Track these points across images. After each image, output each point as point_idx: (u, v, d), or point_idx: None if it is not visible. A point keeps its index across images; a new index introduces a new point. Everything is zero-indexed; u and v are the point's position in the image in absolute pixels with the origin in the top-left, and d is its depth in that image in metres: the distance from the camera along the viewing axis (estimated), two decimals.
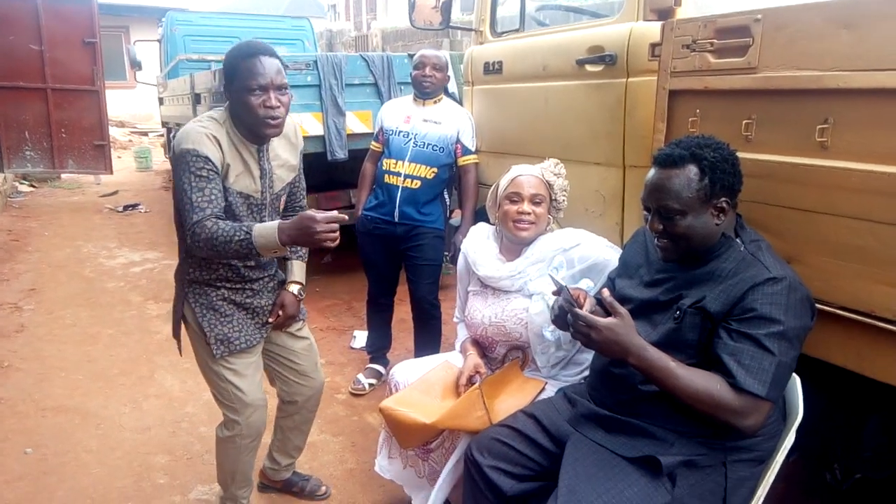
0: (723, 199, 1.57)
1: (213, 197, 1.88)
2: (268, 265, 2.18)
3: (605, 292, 1.58)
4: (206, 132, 1.91)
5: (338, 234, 1.76)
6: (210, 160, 1.88)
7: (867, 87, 1.49)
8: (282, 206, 2.20)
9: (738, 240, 1.61)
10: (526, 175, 2.24)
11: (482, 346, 2.30)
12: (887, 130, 1.47)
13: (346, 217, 1.84)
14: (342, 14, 26.30)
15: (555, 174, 2.28)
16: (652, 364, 1.51)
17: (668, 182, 1.57)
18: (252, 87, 1.89)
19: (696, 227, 1.57)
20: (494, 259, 2.28)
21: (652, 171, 1.63)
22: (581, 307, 1.63)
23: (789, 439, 1.61)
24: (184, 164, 1.87)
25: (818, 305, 1.63)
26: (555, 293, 1.68)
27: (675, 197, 1.56)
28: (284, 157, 2.14)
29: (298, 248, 2.27)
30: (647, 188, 1.63)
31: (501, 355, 2.27)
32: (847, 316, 1.60)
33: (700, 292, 1.58)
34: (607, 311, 1.56)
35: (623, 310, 1.54)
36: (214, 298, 2.07)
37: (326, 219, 1.73)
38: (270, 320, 2.18)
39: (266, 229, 1.78)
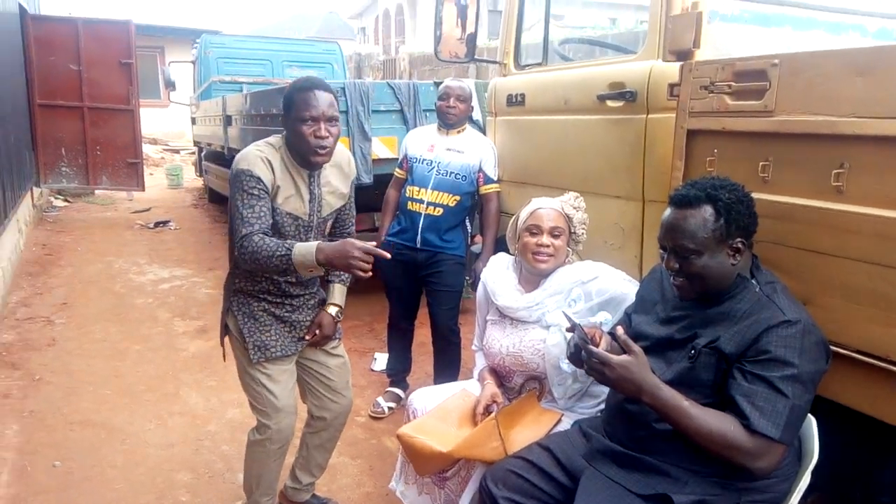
0: (738, 239, 1.60)
1: (261, 214, 2.04)
2: (309, 283, 2.30)
3: (620, 330, 1.61)
4: (261, 155, 2.08)
5: (370, 266, 1.89)
6: (262, 181, 2.04)
7: (882, 134, 1.51)
8: (328, 230, 2.32)
9: (753, 281, 1.64)
10: (546, 208, 2.28)
11: (500, 375, 2.33)
12: None
13: (388, 255, 1.97)
14: (371, 37, 26.72)
15: (574, 207, 2.32)
16: (665, 403, 1.53)
17: (684, 222, 1.60)
18: (305, 117, 2.03)
19: (711, 266, 1.60)
20: (513, 289, 2.32)
21: (668, 211, 1.67)
22: (597, 344, 1.66)
23: (804, 481, 1.62)
24: (238, 182, 2.05)
25: (834, 348, 1.64)
26: (569, 330, 1.71)
27: (691, 237, 1.59)
28: (335, 184, 2.26)
29: (341, 272, 2.39)
30: (664, 228, 1.67)
31: (518, 385, 2.29)
32: (862, 359, 1.61)
33: (715, 332, 1.60)
34: (623, 349, 1.59)
35: (637, 348, 1.56)
36: (256, 309, 2.21)
37: (365, 249, 1.88)
38: (307, 338, 2.29)
39: (305, 248, 1.94)
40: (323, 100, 2.04)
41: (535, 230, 2.25)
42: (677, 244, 1.62)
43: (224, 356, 2.36)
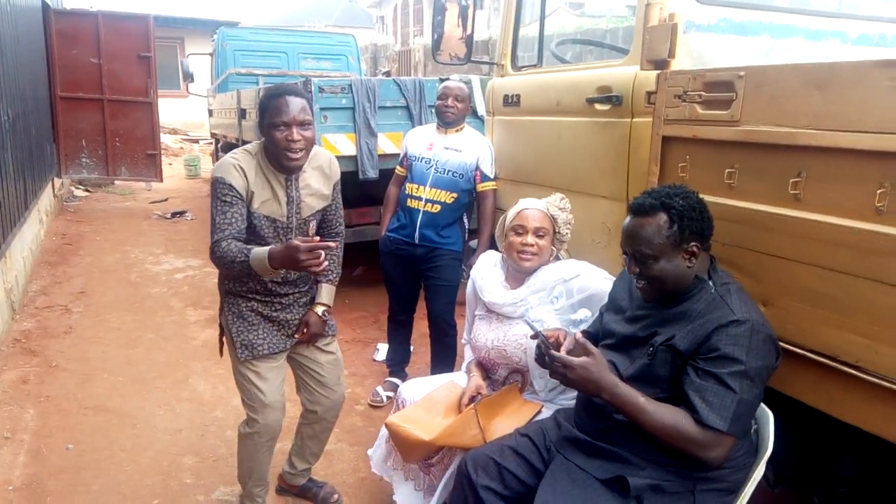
0: (693, 243, 1.69)
1: (233, 220, 2.13)
2: (298, 282, 2.37)
3: (579, 335, 1.74)
4: (235, 163, 2.17)
5: (322, 260, 1.95)
6: (234, 187, 2.13)
7: (836, 146, 1.59)
8: (311, 231, 2.38)
9: (710, 282, 1.72)
10: (531, 209, 2.38)
11: (485, 368, 2.44)
12: (852, 187, 1.57)
13: (333, 245, 2.03)
14: (390, 26, 26.74)
15: (559, 208, 2.41)
16: (622, 399, 1.64)
17: (641, 229, 1.70)
18: (277, 123, 2.12)
19: (668, 270, 1.69)
20: (499, 286, 2.42)
21: (627, 219, 1.77)
22: (560, 345, 1.77)
23: (759, 472, 1.71)
24: (213, 189, 2.16)
25: (791, 347, 1.73)
26: (532, 337, 1.82)
27: (647, 243, 1.69)
28: (315, 186, 2.33)
29: (329, 272, 2.46)
30: (624, 235, 1.77)
31: (503, 377, 2.40)
32: (816, 359, 1.69)
33: (672, 331, 1.70)
34: (583, 352, 1.70)
35: (595, 350, 1.68)
36: (244, 309, 2.30)
37: (308, 248, 1.94)
38: (296, 337, 2.38)
39: (260, 254, 2.01)
40: (294, 105, 2.11)
41: (520, 230, 2.35)
42: (636, 250, 1.72)
43: (220, 351, 2.45)
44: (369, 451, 2.57)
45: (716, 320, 1.62)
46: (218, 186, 2.13)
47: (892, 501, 1.80)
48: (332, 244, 2.01)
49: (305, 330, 2.38)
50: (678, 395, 1.66)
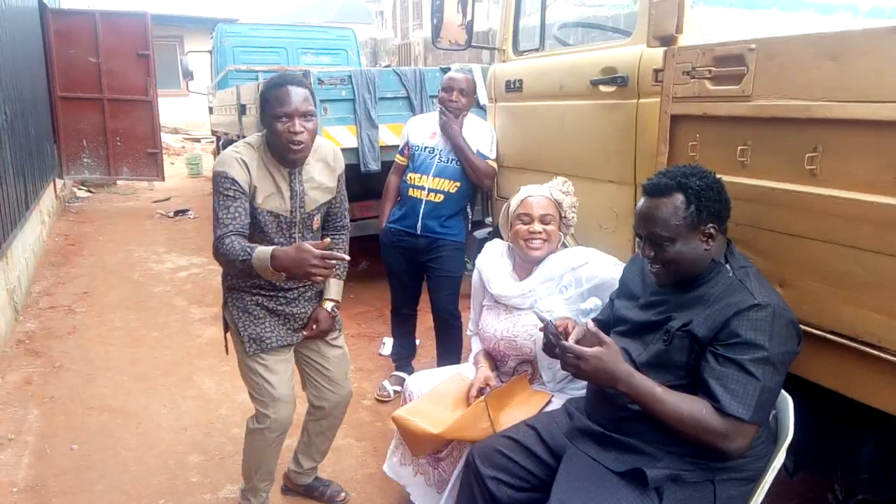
0: (710, 225, 1.63)
1: (236, 214, 2.06)
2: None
3: (590, 324, 1.66)
4: (237, 156, 2.10)
5: (331, 270, 1.88)
6: (237, 182, 2.06)
7: (852, 118, 1.53)
8: (316, 225, 2.33)
9: (727, 265, 1.66)
10: (535, 196, 2.32)
11: (494, 359, 2.38)
12: (870, 160, 1.50)
13: (347, 257, 1.98)
14: (389, 21, 26.64)
15: (563, 192, 2.35)
16: (639, 390, 1.57)
17: (657, 211, 1.64)
18: (279, 114, 2.05)
19: (685, 252, 1.63)
20: (507, 277, 2.36)
21: (641, 201, 1.70)
22: (568, 335, 1.71)
23: (779, 459, 1.66)
24: (215, 184, 2.09)
25: (809, 329, 1.67)
26: (541, 329, 1.74)
27: (664, 225, 1.62)
28: (319, 179, 2.27)
29: (337, 266, 2.38)
30: (637, 217, 1.70)
31: (512, 368, 2.35)
32: (836, 340, 1.63)
33: (689, 316, 1.63)
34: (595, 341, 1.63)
35: (608, 338, 1.61)
36: (249, 303, 2.25)
37: (325, 255, 1.85)
38: (305, 333, 2.33)
39: (263, 253, 1.91)
40: (296, 96, 2.05)
41: (526, 218, 2.29)
42: (651, 232, 1.65)
43: (227, 349, 2.40)
44: (383, 467, 2.51)
45: (735, 305, 1.55)
46: (220, 181, 2.07)
47: None
48: (345, 257, 1.97)
49: (315, 326, 2.34)
50: (695, 382, 1.60)
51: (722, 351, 1.55)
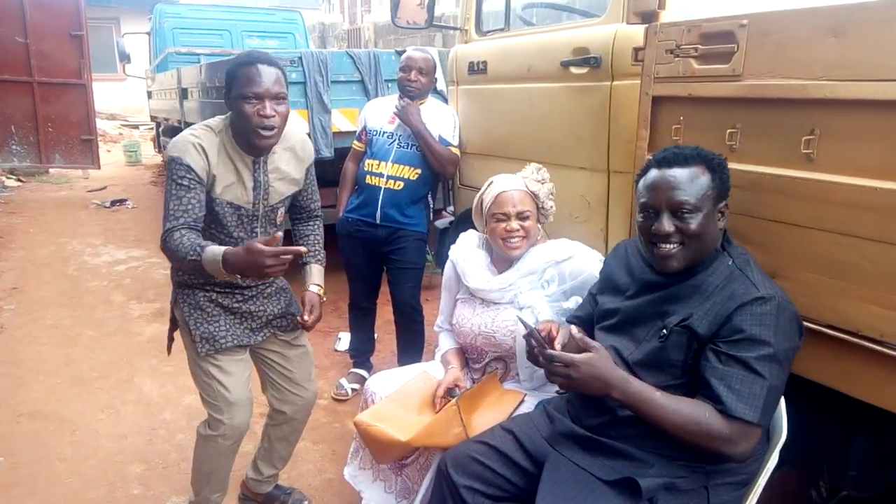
0: (724, 202, 1.54)
1: (189, 206, 1.86)
2: None
3: (574, 329, 1.52)
4: (194, 141, 1.90)
5: (287, 265, 1.72)
6: (192, 169, 1.87)
7: (854, 98, 1.43)
8: (280, 219, 2.15)
9: (724, 252, 1.56)
10: (509, 190, 2.14)
11: (469, 355, 2.24)
12: (874, 143, 1.41)
13: (304, 250, 1.82)
14: (336, 6, 26.11)
15: (538, 181, 2.19)
16: (636, 397, 1.45)
17: (683, 178, 1.51)
18: (247, 95, 1.86)
19: (708, 227, 1.51)
20: (485, 270, 2.21)
21: (657, 172, 1.55)
22: (553, 339, 1.58)
23: (773, 461, 1.56)
24: (169, 171, 1.89)
25: (804, 323, 1.57)
26: (525, 336, 1.60)
27: (691, 193, 1.50)
28: (286, 170, 2.09)
29: (316, 252, 2.28)
30: (655, 188, 1.55)
31: (483, 367, 2.21)
32: (833, 335, 1.55)
33: (686, 309, 1.52)
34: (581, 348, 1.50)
35: (596, 343, 1.48)
36: (202, 300, 2.06)
37: (276, 252, 1.68)
38: (305, 318, 2.14)
39: (213, 255, 1.73)
40: (268, 75, 1.87)
41: (502, 217, 2.12)
42: (676, 201, 1.50)
43: (168, 349, 2.21)
44: (345, 471, 2.31)
45: (738, 297, 1.44)
46: (174, 167, 1.87)
47: None
48: (302, 249, 1.79)
49: (311, 310, 2.16)
50: (691, 381, 1.49)
51: (725, 348, 1.44)
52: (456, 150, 3.10)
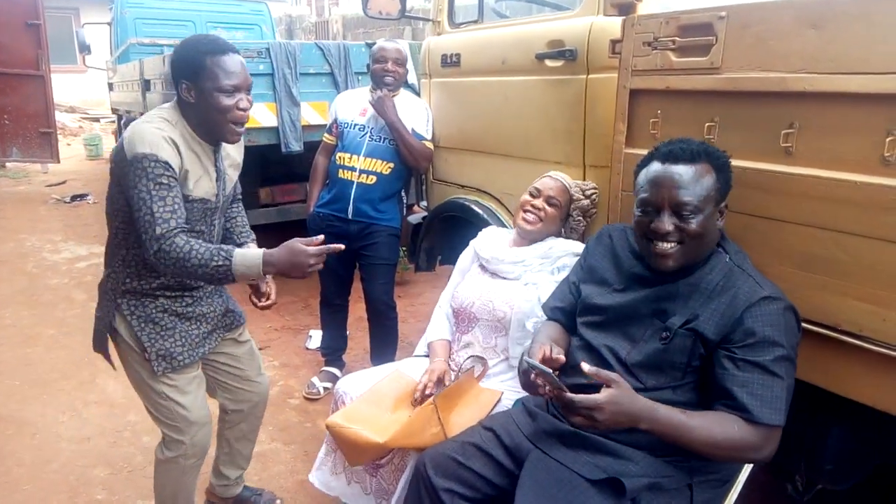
0: (724, 202, 1.52)
1: (175, 207, 1.73)
2: None
3: (585, 366, 1.41)
4: (164, 135, 1.75)
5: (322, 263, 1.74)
6: (170, 166, 1.73)
7: (834, 91, 1.43)
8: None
9: (721, 249, 1.55)
10: (554, 177, 2.27)
11: (459, 323, 2.23)
12: (854, 137, 1.41)
13: (341, 247, 1.76)
14: None
15: (582, 192, 2.25)
16: (665, 424, 1.39)
17: (687, 178, 1.47)
18: (225, 87, 1.77)
19: (708, 227, 1.49)
20: (503, 243, 2.29)
21: (660, 167, 1.51)
22: (557, 364, 1.54)
23: None
24: (140, 170, 1.69)
25: None
26: (536, 376, 1.52)
27: (695, 194, 1.46)
28: (233, 155, 2.05)
29: (249, 233, 2.23)
30: (658, 184, 1.50)
31: (467, 343, 2.18)
32: (813, 330, 1.54)
33: (688, 309, 1.49)
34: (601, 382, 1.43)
35: (616, 376, 1.40)
36: (153, 310, 1.92)
37: (320, 252, 1.71)
38: (262, 302, 2.07)
39: (250, 259, 1.69)
40: (241, 65, 1.80)
41: (534, 192, 2.25)
42: (679, 201, 1.47)
43: (112, 364, 2.07)
44: (310, 476, 2.21)
45: (744, 298, 1.42)
46: (149, 165, 1.68)
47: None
48: (340, 246, 1.75)
49: (269, 297, 2.09)
50: (692, 381, 1.48)
51: (741, 354, 1.41)
52: (429, 144, 3.05)
